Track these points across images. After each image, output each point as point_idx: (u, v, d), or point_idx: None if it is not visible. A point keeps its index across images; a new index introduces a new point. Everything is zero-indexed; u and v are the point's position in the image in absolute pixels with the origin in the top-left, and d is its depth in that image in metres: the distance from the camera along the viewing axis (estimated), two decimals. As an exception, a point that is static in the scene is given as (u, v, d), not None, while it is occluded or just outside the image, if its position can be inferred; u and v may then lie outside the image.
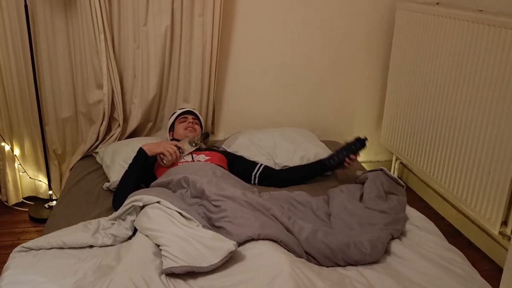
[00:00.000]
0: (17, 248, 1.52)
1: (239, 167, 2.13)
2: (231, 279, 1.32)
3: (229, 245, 1.38)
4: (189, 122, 2.24)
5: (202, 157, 2.05)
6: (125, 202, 1.63)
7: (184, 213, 1.53)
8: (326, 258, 1.50)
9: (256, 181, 2.11)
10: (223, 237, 1.43)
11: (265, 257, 1.37)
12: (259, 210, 1.61)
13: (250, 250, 1.42)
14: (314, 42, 2.73)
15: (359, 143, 2.08)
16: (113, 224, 1.63)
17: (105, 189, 2.10)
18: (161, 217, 1.50)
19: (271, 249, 1.40)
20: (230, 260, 1.38)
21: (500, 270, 2.10)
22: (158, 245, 1.43)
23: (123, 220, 1.63)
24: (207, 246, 1.39)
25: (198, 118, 2.34)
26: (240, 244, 1.44)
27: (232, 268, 1.36)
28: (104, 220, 1.66)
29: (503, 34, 1.87)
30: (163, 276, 1.34)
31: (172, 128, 2.32)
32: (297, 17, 2.66)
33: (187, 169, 1.86)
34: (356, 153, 2.08)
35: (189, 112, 2.34)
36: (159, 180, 1.84)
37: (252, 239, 1.45)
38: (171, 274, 1.34)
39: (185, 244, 1.39)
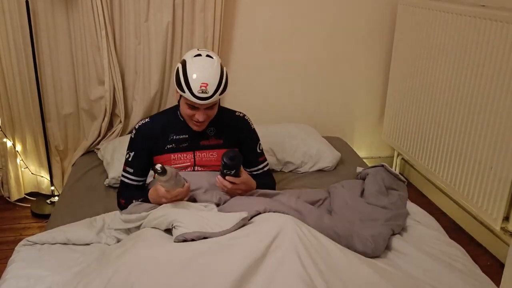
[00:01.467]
0: (22, 242, 1.52)
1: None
2: (236, 235, 1.34)
3: (241, 214, 1.40)
4: (197, 122, 1.63)
5: (206, 160, 1.74)
6: (145, 223, 1.51)
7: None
8: None
9: None
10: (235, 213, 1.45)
11: (271, 219, 1.39)
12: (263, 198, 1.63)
13: (257, 217, 1.44)
14: (315, 38, 2.72)
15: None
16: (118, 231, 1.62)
17: (106, 185, 2.10)
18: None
19: (278, 214, 1.43)
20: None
21: (501, 266, 2.10)
22: (169, 230, 1.44)
23: (130, 230, 1.61)
24: (219, 217, 1.42)
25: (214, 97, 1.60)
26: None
27: (240, 230, 1.37)
28: (108, 218, 1.65)
29: (505, 29, 1.86)
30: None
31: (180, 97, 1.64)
32: (299, 13, 2.65)
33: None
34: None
35: (204, 98, 1.55)
36: None
37: (259, 213, 1.46)
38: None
39: (196, 217, 1.41)
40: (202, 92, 1.54)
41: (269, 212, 1.45)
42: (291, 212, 1.49)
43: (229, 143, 1.76)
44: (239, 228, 1.37)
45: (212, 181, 1.66)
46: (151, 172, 1.84)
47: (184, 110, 1.63)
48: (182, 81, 1.55)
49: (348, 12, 2.70)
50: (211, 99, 1.56)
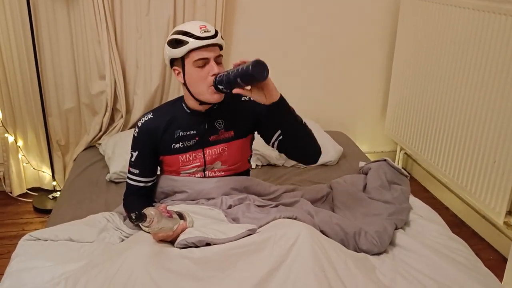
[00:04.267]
0: (26, 237, 1.52)
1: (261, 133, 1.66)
2: (247, 242, 1.31)
3: (248, 225, 1.37)
4: (214, 75, 1.45)
5: (217, 165, 1.62)
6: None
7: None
8: (340, 241, 1.49)
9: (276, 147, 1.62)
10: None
11: (282, 224, 1.37)
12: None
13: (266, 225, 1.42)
14: (317, 31, 2.71)
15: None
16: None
17: (108, 180, 2.10)
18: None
19: (287, 220, 1.41)
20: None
21: (504, 260, 2.09)
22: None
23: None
24: (225, 227, 1.39)
25: (221, 48, 1.53)
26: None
27: (245, 239, 1.34)
28: (111, 217, 1.64)
29: (509, 22, 1.84)
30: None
31: (180, 64, 1.50)
32: (301, 7, 2.64)
33: (196, 193, 1.62)
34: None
35: (212, 45, 1.46)
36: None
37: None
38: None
39: (201, 227, 1.39)
40: (205, 31, 1.44)
41: (279, 218, 1.42)
42: (299, 214, 1.47)
43: (242, 132, 1.62)
44: (244, 237, 1.33)
45: (224, 191, 1.59)
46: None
47: (195, 74, 1.46)
48: (180, 36, 1.45)
49: (350, 6, 2.69)
50: (216, 38, 1.46)
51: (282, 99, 1.45)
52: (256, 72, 1.30)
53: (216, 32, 1.48)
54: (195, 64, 1.45)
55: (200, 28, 1.45)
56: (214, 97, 1.49)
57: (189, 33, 1.44)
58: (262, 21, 2.63)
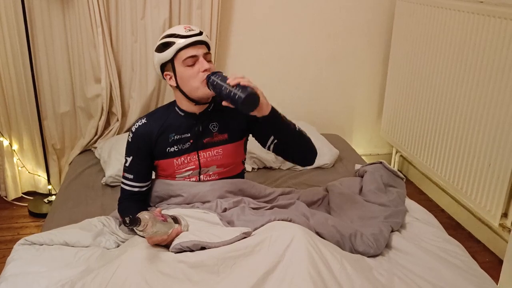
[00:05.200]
0: (21, 241, 1.51)
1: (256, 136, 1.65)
2: (243, 245, 1.31)
3: (243, 228, 1.37)
4: (206, 70, 1.47)
5: (212, 168, 1.63)
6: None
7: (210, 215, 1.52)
8: (336, 242, 1.49)
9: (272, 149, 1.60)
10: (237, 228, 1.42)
11: (277, 226, 1.37)
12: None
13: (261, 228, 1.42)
14: (313, 34, 2.71)
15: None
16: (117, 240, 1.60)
17: (104, 184, 2.10)
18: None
19: (282, 222, 1.41)
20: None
21: (500, 262, 2.10)
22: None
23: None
24: (220, 230, 1.39)
25: (208, 48, 1.55)
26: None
27: (240, 242, 1.33)
28: (107, 221, 1.63)
29: (503, 25, 1.85)
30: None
31: (170, 67, 1.51)
32: (296, 10, 2.64)
33: (191, 197, 1.61)
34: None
35: (198, 42, 1.48)
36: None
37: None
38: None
39: (196, 231, 1.39)
40: (190, 30, 1.48)
41: (274, 220, 1.42)
42: (294, 216, 1.47)
43: (236, 135, 1.62)
44: (239, 240, 1.33)
45: (219, 194, 1.59)
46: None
47: (186, 73, 1.47)
48: (167, 39, 1.48)
49: (346, 9, 2.69)
50: (202, 36, 1.49)
51: (273, 112, 1.44)
52: (244, 109, 1.34)
53: (201, 32, 1.50)
54: (184, 63, 1.47)
55: (185, 28, 1.48)
56: (209, 91, 1.48)
57: (174, 34, 1.48)
58: (258, 25, 2.64)
